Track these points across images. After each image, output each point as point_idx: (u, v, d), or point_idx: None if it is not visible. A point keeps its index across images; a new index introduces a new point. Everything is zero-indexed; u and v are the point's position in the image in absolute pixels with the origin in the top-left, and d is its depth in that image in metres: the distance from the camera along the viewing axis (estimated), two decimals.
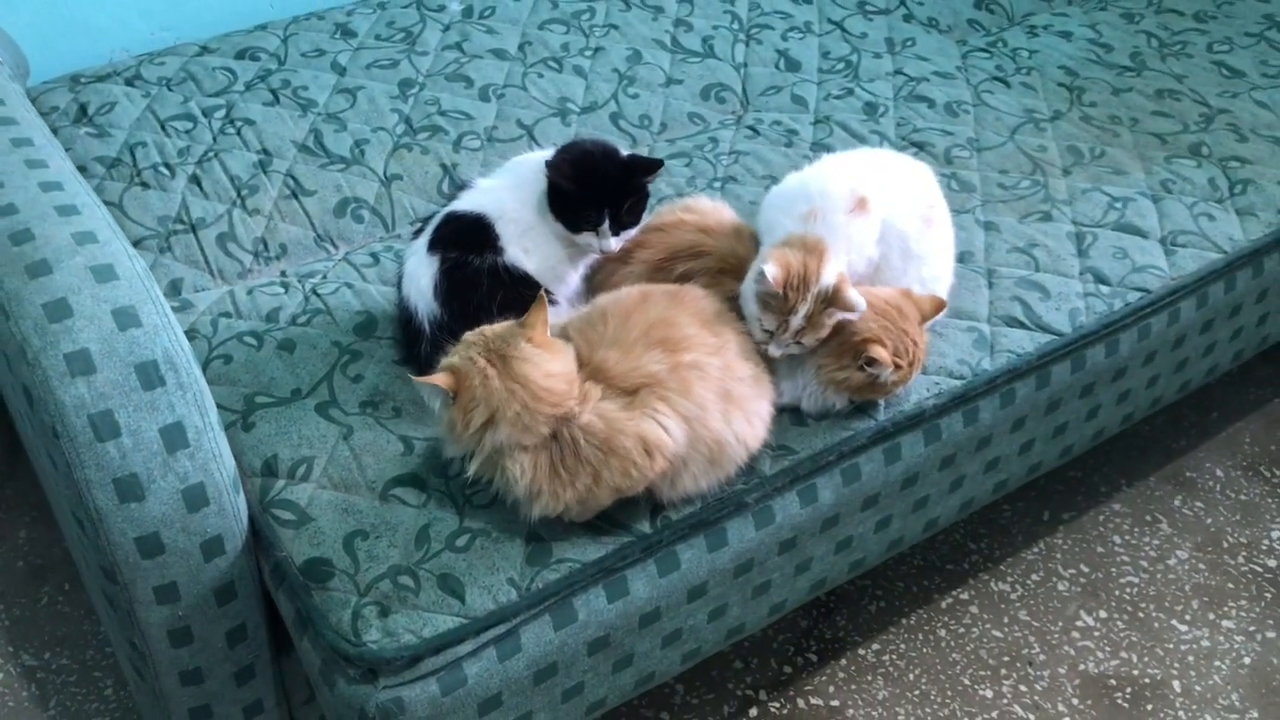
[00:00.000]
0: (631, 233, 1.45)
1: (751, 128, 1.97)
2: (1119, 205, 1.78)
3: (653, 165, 1.43)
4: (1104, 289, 1.64)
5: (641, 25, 2.16)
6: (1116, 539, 1.99)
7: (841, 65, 2.12)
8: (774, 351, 1.36)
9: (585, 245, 1.43)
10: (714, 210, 1.55)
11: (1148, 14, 2.30)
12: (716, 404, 1.27)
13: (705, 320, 1.32)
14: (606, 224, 1.41)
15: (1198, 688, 1.76)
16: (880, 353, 1.35)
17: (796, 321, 1.33)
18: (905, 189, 1.52)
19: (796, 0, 2.27)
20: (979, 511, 1.74)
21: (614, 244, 1.43)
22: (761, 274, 1.31)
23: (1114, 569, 1.94)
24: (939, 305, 1.43)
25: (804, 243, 1.35)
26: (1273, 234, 1.77)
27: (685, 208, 1.56)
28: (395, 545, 1.26)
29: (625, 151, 1.45)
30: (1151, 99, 2.04)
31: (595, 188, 1.40)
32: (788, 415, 1.42)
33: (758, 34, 2.17)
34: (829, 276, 1.33)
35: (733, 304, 1.41)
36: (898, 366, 1.36)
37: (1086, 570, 1.93)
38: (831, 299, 1.33)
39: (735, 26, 2.19)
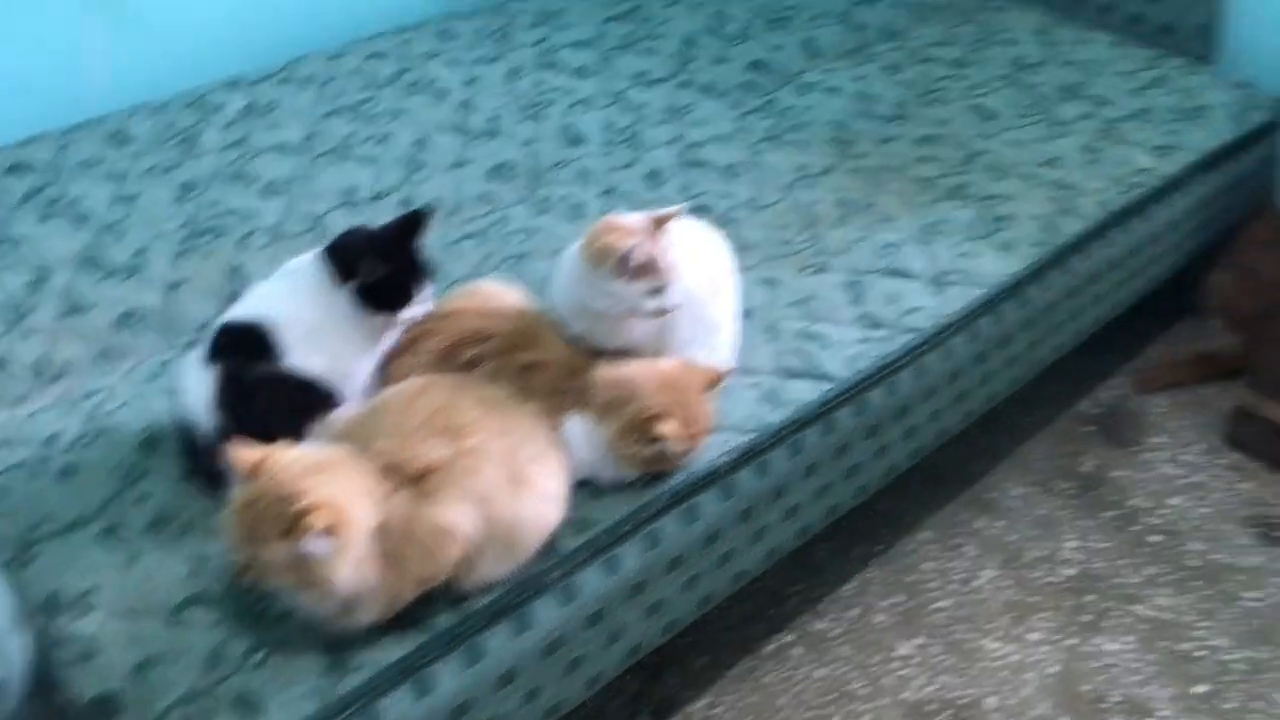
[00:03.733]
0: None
1: (541, 204, 2.01)
2: (889, 251, 1.88)
3: (424, 215, 1.45)
4: (878, 333, 1.72)
5: (427, 110, 2.19)
6: (927, 566, 2.08)
7: (624, 136, 2.19)
8: (672, 301, 1.42)
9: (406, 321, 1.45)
10: (498, 293, 1.58)
11: (909, 64, 2.44)
12: (506, 487, 1.29)
13: (489, 405, 1.34)
14: (429, 287, 1.44)
15: (1011, 702, 1.85)
16: (668, 426, 1.39)
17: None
18: (698, 256, 1.57)
19: (578, 75, 2.33)
20: (794, 554, 1.80)
21: (428, 305, 1.46)
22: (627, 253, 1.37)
23: (926, 595, 2.02)
24: (720, 376, 1.48)
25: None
26: (1032, 266, 1.89)
27: (469, 293, 1.58)
28: (188, 669, 1.23)
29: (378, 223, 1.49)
30: (915, 145, 2.17)
31: (405, 259, 1.42)
32: (586, 488, 1.45)
33: (541, 111, 2.23)
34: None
35: (524, 380, 1.44)
36: (684, 439, 1.41)
37: (902, 600, 2.01)
38: None
39: (520, 104, 2.24)
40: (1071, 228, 1.96)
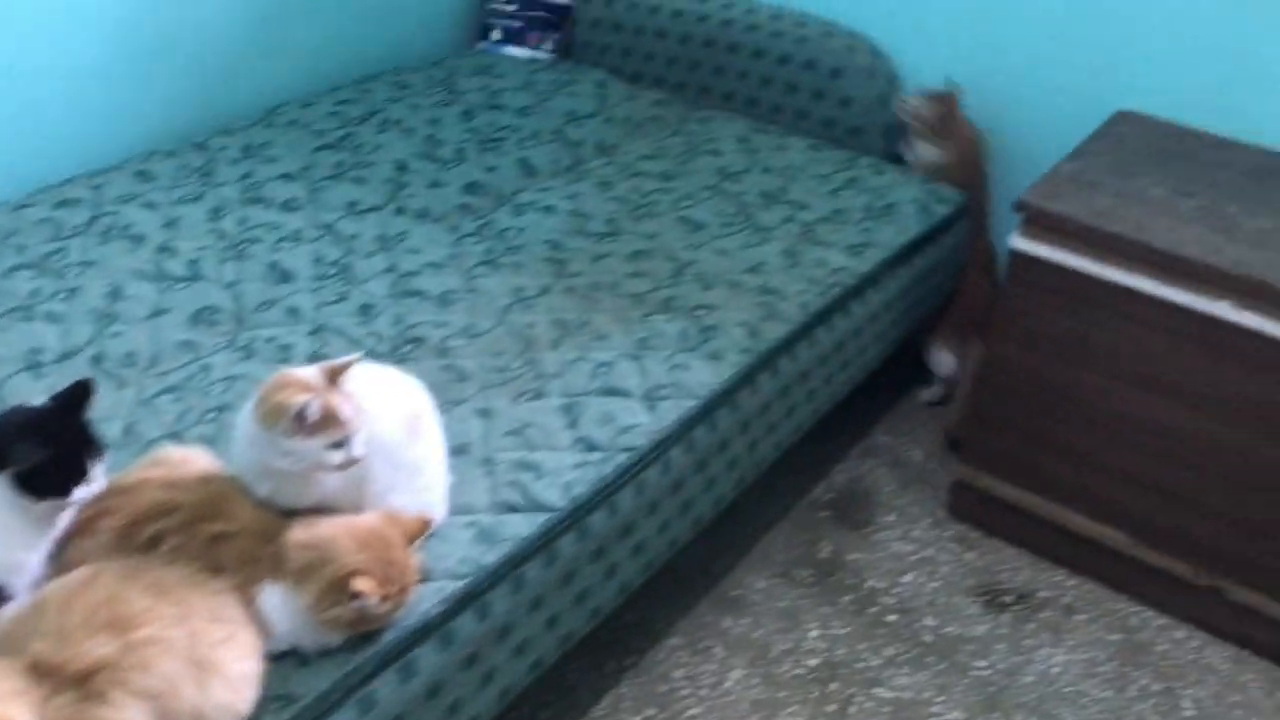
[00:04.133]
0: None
1: (245, 348, 1.94)
2: (604, 370, 1.91)
3: (86, 386, 1.38)
4: (595, 455, 1.73)
5: (121, 257, 2.09)
6: (677, 673, 2.08)
7: (334, 269, 2.14)
8: (358, 451, 1.39)
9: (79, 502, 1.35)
10: (184, 460, 1.50)
11: (620, 180, 2.50)
12: (189, 677, 1.21)
13: (163, 591, 1.26)
14: (100, 464, 1.35)
15: None
16: (365, 584, 1.34)
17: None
18: (387, 401, 1.54)
19: (285, 209, 2.28)
20: (544, 676, 1.77)
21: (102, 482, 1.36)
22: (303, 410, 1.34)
23: (677, 705, 2.02)
24: (425, 525, 1.45)
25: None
26: (740, 372, 1.95)
27: (152, 462, 1.50)
28: None
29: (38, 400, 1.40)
30: (628, 260, 2.21)
31: (69, 437, 1.34)
32: (291, 657, 1.38)
33: (247, 249, 2.16)
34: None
35: (213, 552, 1.36)
36: (387, 596, 1.36)
37: (653, 712, 2.00)
38: None
39: (223, 244, 2.17)
40: (776, 332, 2.03)
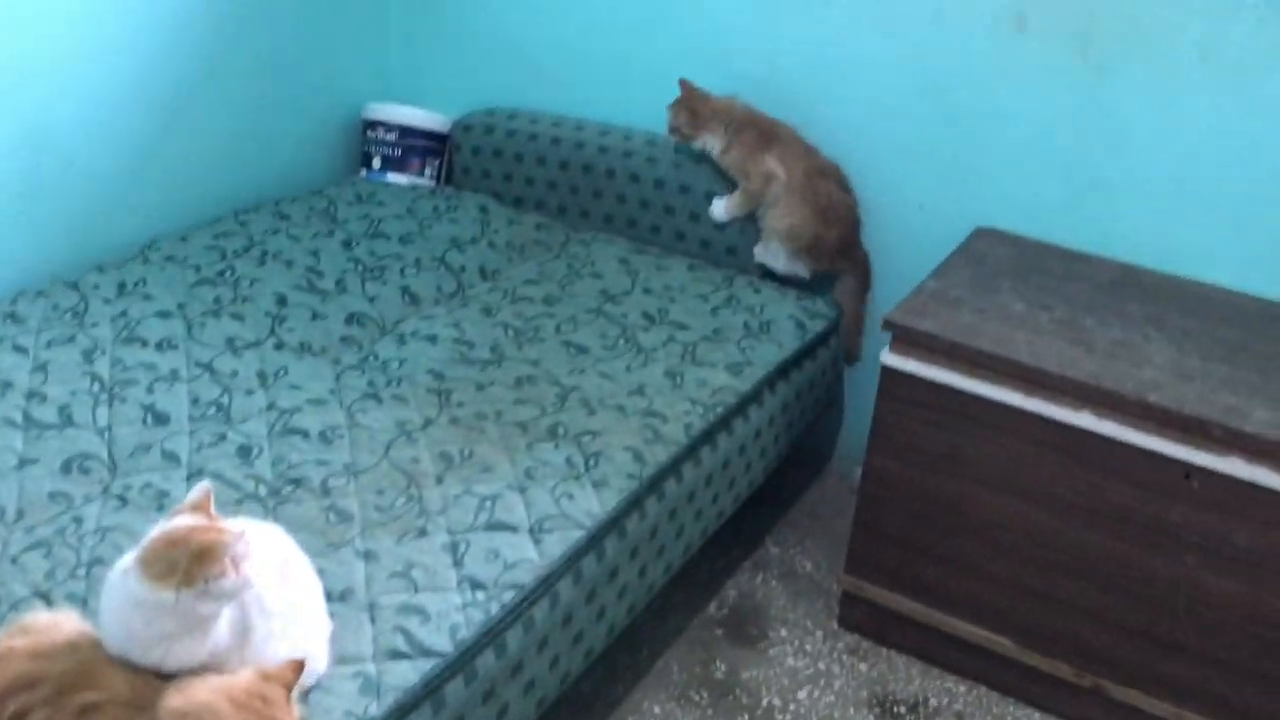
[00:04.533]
0: None
1: (120, 496, 1.88)
2: (489, 504, 1.90)
3: None
4: (480, 595, 1.72)
5: None
6: None
7: (213, 409, 2.11)
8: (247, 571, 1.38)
9: None
10: (50, 626, 1.44)
11: (504, 305, 2.53)
12: None
13: None
14: None
15: None
16: None
17: None
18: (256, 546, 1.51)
19: (161, 348, 2.25)
20: None
21: None
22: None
23: None
24: (297, 668, 1.41)
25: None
26: (626, 499, 1.96)
27: (19, 630, 1.44)
28: None
29: None
30: (512, 388, 2.23)
31: None
32: None
33: (122, 391, 2.12)
34: None
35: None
36: None
37: None
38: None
39: (96, 388, 2.12)
40: (660, 455, 2.06)
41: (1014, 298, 2.27)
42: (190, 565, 1.35)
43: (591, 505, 1.93)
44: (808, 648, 2.44)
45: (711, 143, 2.69)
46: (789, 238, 2.61)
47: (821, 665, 2.39)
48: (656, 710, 2.26)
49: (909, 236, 2.65)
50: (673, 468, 2.08)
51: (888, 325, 2.17)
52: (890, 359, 2.18)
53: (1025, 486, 2.12)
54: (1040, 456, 2.08)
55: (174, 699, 1.35)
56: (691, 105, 2.66)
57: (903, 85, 2.58)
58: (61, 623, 1.46)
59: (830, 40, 2.64)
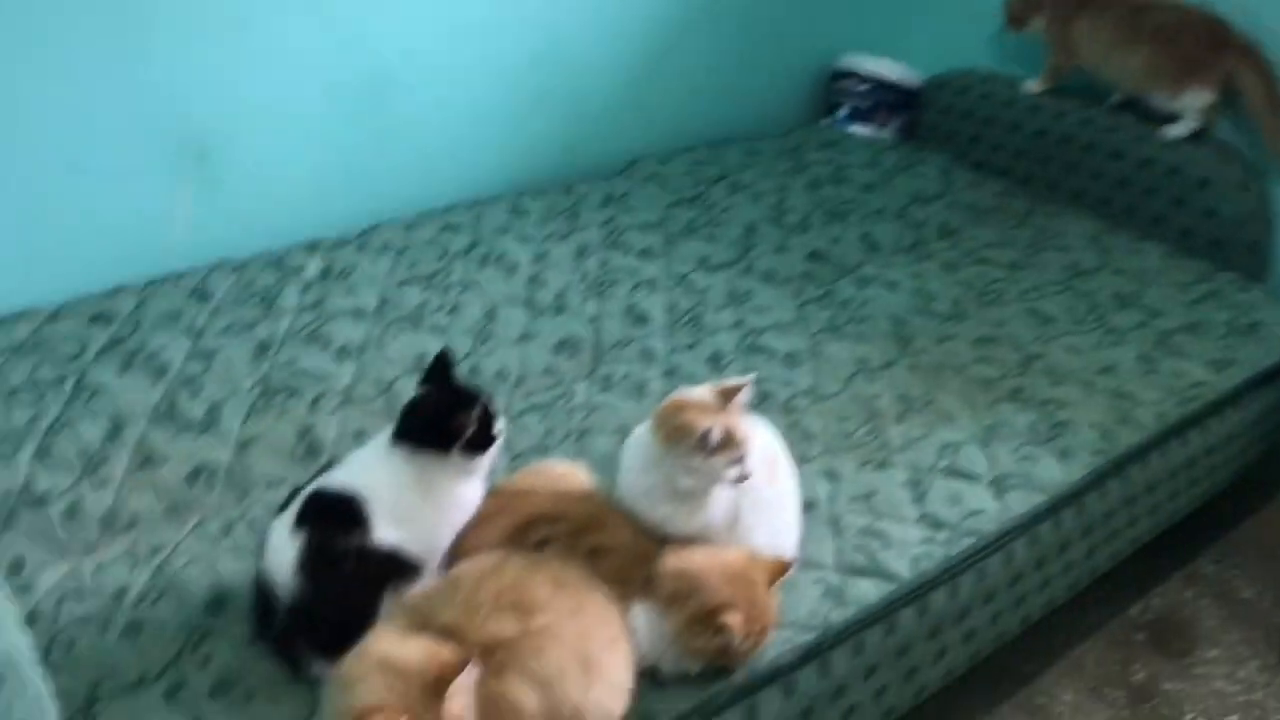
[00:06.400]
0: None
1: (604, 380, 2.05)
2: (950, 450, 1.90)
3: (444, 359, 1.50)
4: (941, 534, 1.72)
5: (497, 283, 2.25)
6: None
7: (687, 318, 2.24)
8: (751, 468, 1.44)
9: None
10: (566, 475, 1.60)
11: (965, 264, 2.50)
12: (576, 672, 1.28)
13: (562, 585, 1.34)
14: (498, 424, 1.47)
15: None
16: (733, 620, 1.38)
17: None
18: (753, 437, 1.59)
19: (643, 256, 2.40)
20: None
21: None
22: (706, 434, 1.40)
23: None
24: (784, 567, 1.48)
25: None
26: (1090, 475, 1.90)
27: (537, 472, 1.61)
28: None
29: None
30: (973, 346, 2.20)
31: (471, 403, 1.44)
32: (644, 678, 1.43)
33: (607, 289, 2.29)
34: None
35: (591, 564, 1.44)
36: (749, 634, 1.40)
37: None
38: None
39: (586, 282, 2.30)
40: (1130, 438, 1.97)
41: None
42: (672, 431, 1.45)
43: (1055, 473, 1.88)
44: (1240, 675, 2.26)
45: (1038, 24, 2.72)
46: (1146, 79, 2.56)
47: (1256, 696, 2.21)
48: (1067, 698, 2.18)
49: None
50: (1140, 453, 1.99)
51: None
52: None
53: None
54: None
55: (672, 560, 1.46)
56: None
57: None
58: (576, 472, 1.61)
59: None
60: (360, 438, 1.81)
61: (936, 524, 1.74)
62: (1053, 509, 1.84)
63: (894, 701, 1.71)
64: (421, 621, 1.29)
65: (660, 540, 1.50)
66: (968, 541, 1.72)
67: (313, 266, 2.22)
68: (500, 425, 1.48)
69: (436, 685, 1.17)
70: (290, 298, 2.12)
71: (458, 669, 1.18)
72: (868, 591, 1.61)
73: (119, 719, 1.33)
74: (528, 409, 1.96)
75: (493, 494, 1.53)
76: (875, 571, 1.64)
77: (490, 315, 2.17)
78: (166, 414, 1.82)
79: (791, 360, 2.12)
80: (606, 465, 1.73)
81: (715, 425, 1.41)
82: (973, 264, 2.50)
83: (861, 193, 2.74)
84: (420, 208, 2.50)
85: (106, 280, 2.17)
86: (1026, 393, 2.06)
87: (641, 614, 1.43)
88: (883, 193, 2.75)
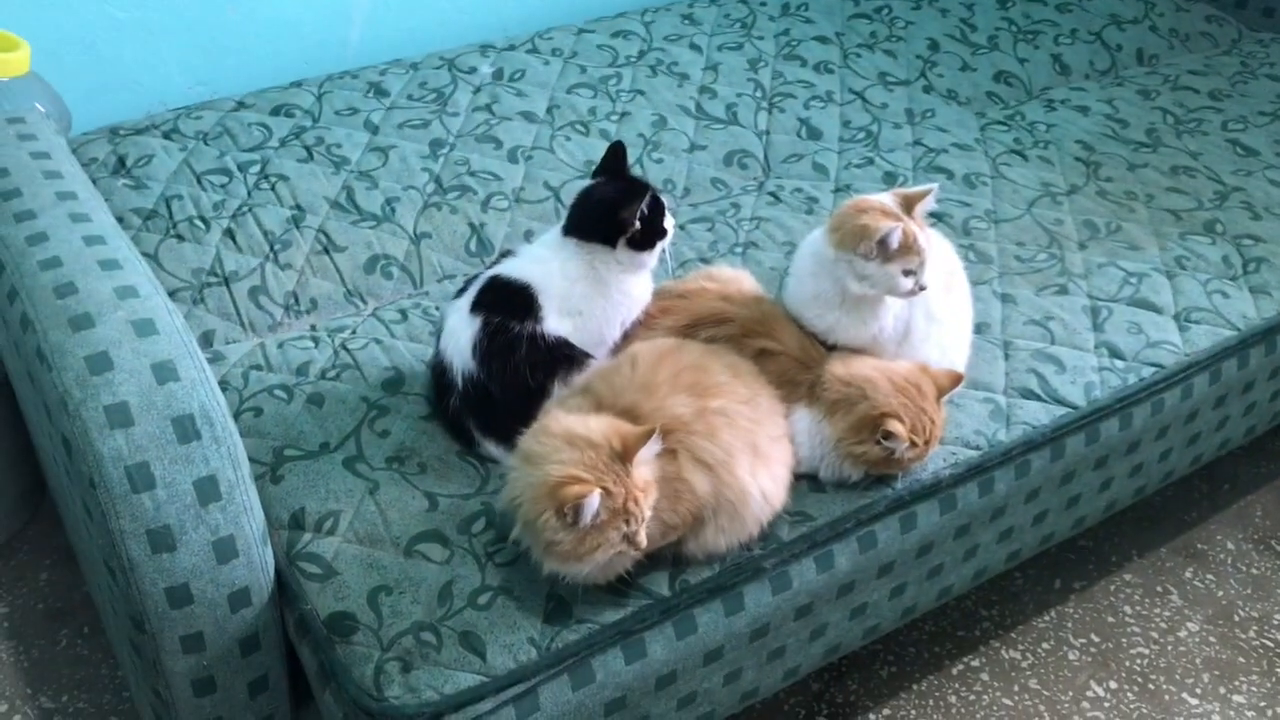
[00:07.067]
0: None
1: (773, 194, 2.01)
2: (1134, 280, 1.81)
3: (618, 150, 1.49)
4: (1119, 363, 1.66)
5: (667, 91, 2.21)
6: (1127, 609, 2.00)
7: (862, 135, 2.16)
8: (926, 279, 1.41)
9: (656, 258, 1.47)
10: (735, 279, 1.59)
11: (1164, 91, 2.34)
12: (744, 454, 1.29)
13: (739, 372, 1.35)
14: (668, 218, 1.47)
15: None
16: (898, 428, 1.37)
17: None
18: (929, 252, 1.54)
19: (819, 70, 2.32)
20: (991, 579, 1.76)
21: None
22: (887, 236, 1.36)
23: (1125, 639, 1.94)
24: (956, 379, 1.45)
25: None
26: None
27: (707, 275, 1.59)
28: (418, 601, 1.28)
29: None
30: (1166, 175, 2.08)
31: (652, 195, 1.44)
32: (805, 481, 1.45)
33: (780, 102, 2.22)
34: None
35: (757, 364, 1.43)
36: (914, 444, 1.39)
37: (1097, 640, 1.94)
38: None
39: (758, 94, 2.24)
40: None
41: None
42: (850, 233, 1.41)
43: (1247, 309, 1.78)
44: None
45: None
46: None
47: None
48: (1229, 546, 2.13)
49: None
50: None
51: None
52: None
53: None
54: None
55: (838, 366, 1.45)
56: None
57: None
58: (742, 278, 1.60)
59: None
60: (529, 238, 1.83)
61: (1115, 353, 1.68)
62: (1240, 346, 1.75)
63: (1052, 529, 1.69)
64: (597, 401, 1.31)
65: (828, 348, 1.48)
66: (1147, 371, 1.66)
67: (486, 69, 2.21)
68: (670, 220, 1.46)
69: (624, 455, 1.20)
70: (464, 98, 2.13)
71: (643, 439, 1.20)
72: (1037, 414, 1.57)
73: (302, 479, 1.41)
74: (694, 219, 1.94)
75: (661, 295, 1.53)
76: (1046, 395, 1.60)
77: (659, 123, 2.13)
78: (345, 204, 1.87)
79: (970, 182, 2.04)
80: (772, 279, 1.72)
81: (896, 229, 1.37)
82: (1171, 90, 2.34)
83: (1055, 13, 2.56)
84: (592, 13, 2.45)
85: (286, 76, 2.21)
86: (1221, 226, 1.95)
87: (804, 418, 1.43)
88: (1078, 13, 2.57)
